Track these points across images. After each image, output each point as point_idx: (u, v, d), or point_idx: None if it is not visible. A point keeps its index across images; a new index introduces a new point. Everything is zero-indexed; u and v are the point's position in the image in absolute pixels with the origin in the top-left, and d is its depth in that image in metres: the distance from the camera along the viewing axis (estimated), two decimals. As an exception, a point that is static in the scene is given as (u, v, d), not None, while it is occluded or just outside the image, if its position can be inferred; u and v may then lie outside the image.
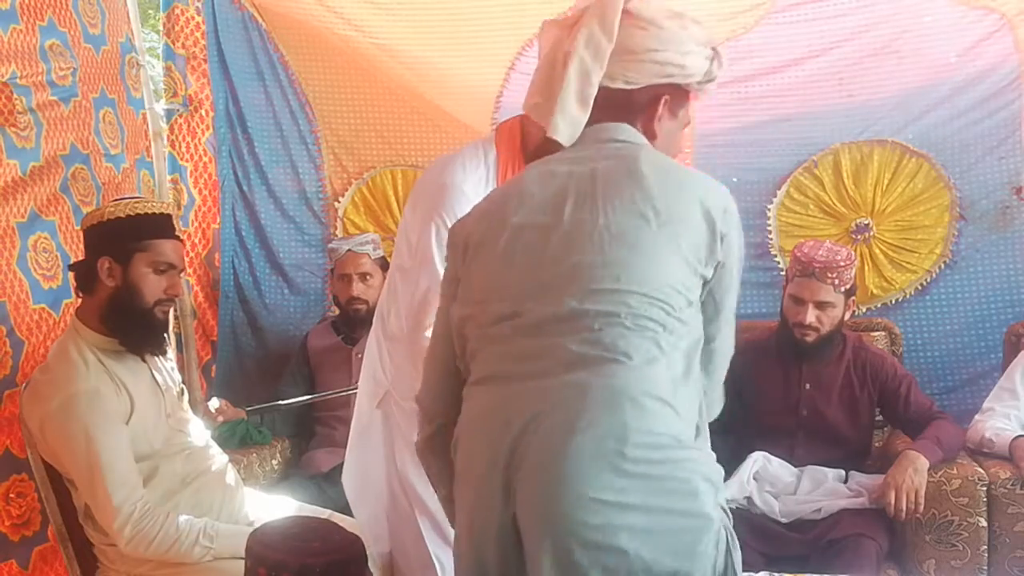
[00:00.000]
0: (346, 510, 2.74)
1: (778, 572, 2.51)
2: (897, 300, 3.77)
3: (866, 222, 3.75)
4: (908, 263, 3.74)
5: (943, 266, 3.72)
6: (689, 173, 1.78)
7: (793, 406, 3.15)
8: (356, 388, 3.45)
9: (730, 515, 1.65)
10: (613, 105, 1.76)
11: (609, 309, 1.53)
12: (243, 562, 2.35)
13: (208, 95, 3.93)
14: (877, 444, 3.38)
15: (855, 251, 3.70)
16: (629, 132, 1.77)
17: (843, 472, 3.06)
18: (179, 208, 3.83)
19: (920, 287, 3.75)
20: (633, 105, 1.78)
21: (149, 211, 2.46)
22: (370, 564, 2.12)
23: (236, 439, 3.41)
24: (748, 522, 2.91)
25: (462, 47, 3.86)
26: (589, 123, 1.76)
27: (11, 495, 2.60)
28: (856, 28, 3.67)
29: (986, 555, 2.87)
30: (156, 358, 2.57)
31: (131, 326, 2.45)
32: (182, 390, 2.69)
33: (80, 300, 2.52)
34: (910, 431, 3.11)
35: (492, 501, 1.54)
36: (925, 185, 3.71)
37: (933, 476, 2.87)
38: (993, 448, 3.02)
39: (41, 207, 2.82)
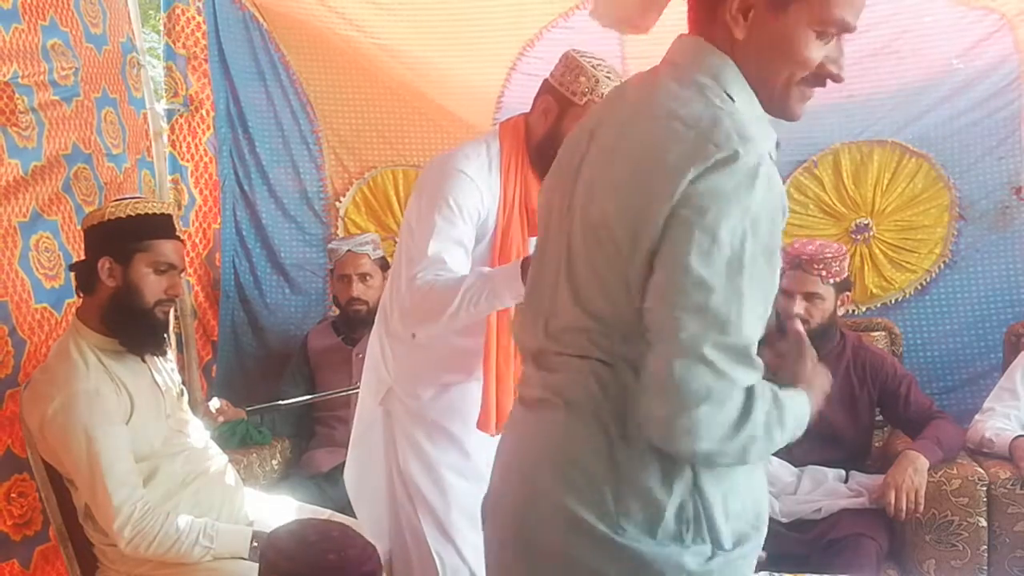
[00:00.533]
0: (346, 510, 2.74)
1: (778, 572, 2.51)
2: (897, 300, 3.77)
3: (866, 222, 3.75)
4: (908, 263, 3.74)
5: (943, 266, 3.72)
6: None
7: None
8: (356, 388, 3.47)
9: None
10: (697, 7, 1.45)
11: None
12: (243, 562, 2.38)
13: (209, 95, 3.93)
14: (877, 444, 3.38)
15: (855, 251, 3.72)
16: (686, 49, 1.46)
17: (843, 472, 3.06)
18: (180, 208, 3.83)
19: (920, 287, 3.75)
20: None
21: (150, 211, 2.47)
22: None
23: (236, 439, 3.41)
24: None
25: (463, 47, 3.86)
26: None
27: (13, 494, 2.60)
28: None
29: (986, 555, 2.87)
30: (156, 358, 2.57)
31: (131, 326, 2.45)
32: (182, 391, 2.69)
33: (81, 300, 2.52)
34: (910, 431, 3.11)
35: None
36: (925, 185, 3.71)
37: (933, 476, 2.87)
38: (993, 448, 3.02)
39: (43, 207, 2.82)
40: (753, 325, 1.29)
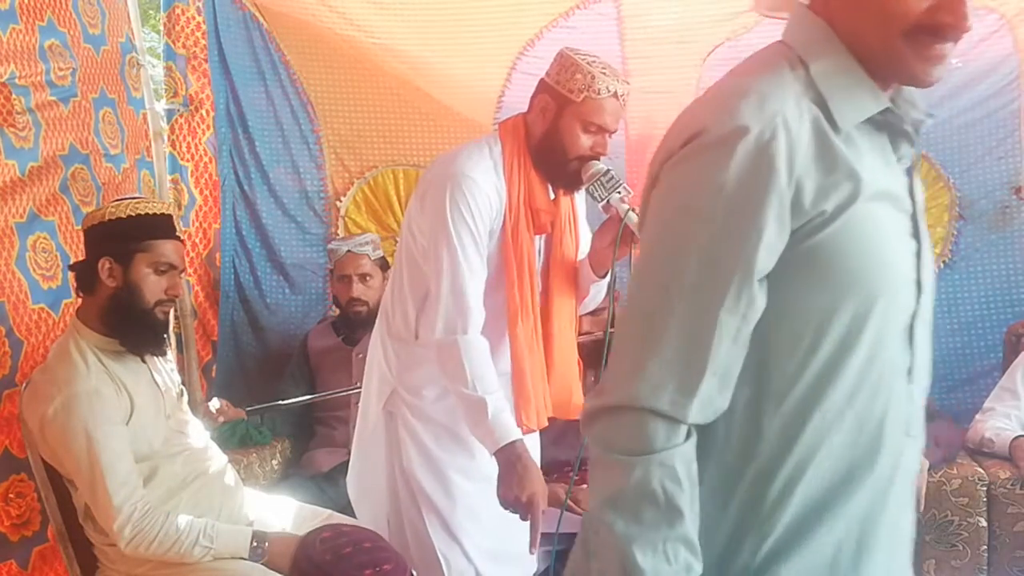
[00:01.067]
0: (346, 510, 2.74)
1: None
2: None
3: (866, 222, 3.74)
4: (908, 263, 3.74)
5: (943, 266, 3.72)
6: None
7: None
8: (356, 388, 3.47)
9: None
10: None
11: None
12: (243, 562, 2.37)
13: (209, 95, 3.93)
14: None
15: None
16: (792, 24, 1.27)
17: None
18: (180, 208, 3.83)
19: (920, 287, 3.74)
20: None
21: (150, 211, 2.46)
22: None
23: (236, 439, 3.41)
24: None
25: (464, 46, 3.86)
26: None
27: (10, 495, 2.60)
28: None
29: (986, 555, 2.87)
30: (156, 359, 2.57)
31: (131, 326, 2.44)
32: (182, 391, 2.69)
33: (80, 300, 2.52)
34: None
35: None
36: (925, 185, 3.70)
37: (933, 476, 2.87)
38: (993, 448, 3.02)
39: (40, 207, 2.82)
40: (658, 375, 1.13)
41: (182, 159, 3.89)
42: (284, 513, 2.68)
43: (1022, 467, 2.86)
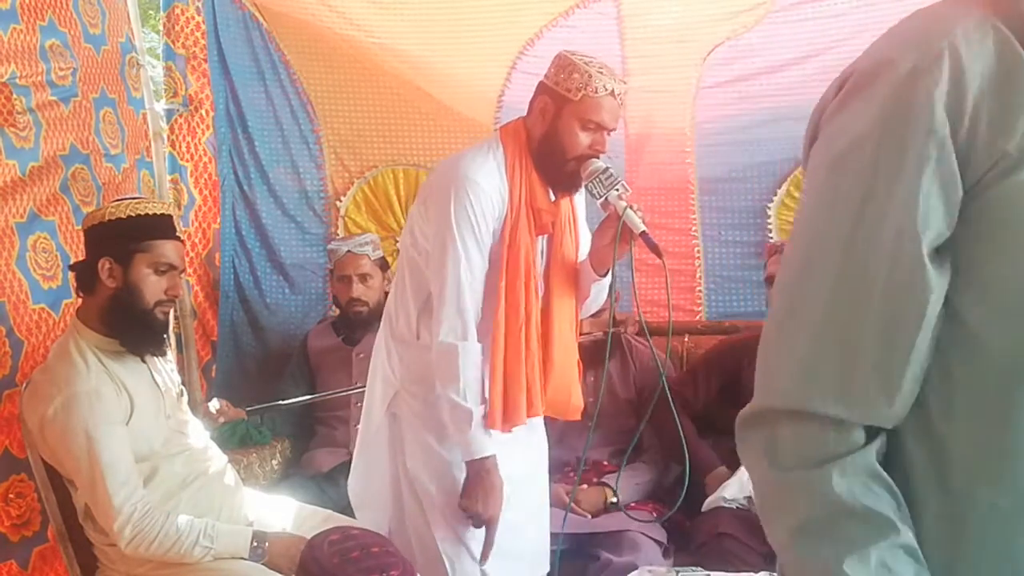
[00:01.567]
0: (346, 510, 2.74)
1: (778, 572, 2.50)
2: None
3: (867, 221, 3.74)
4: (908, 262, 3.73)
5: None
6: None
7: None
8: (356, 388, 3.47)
9: None
10: None
11: None
12: (243, 562, 2.37)
13: (208, 95, 3.93)
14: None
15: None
16: None
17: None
18: (179, 208, 3.83)
19: (920, 286, 3.74)
20: None
21: (150, 212, 2.47)
22: None
23: (236, 439, 3.41)
24: (748, 522, 2.91)
25: (464, 46, 3.86)
26: None
27: (10, 495, 2.60)
28: (856, 27, 3.66)
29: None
30: (156, 359, 2.57)
31: (131, 327, 2.45)
32: (182, 391, 2.69)
33: (80, 300, 2.52)
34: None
35: None
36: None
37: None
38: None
39: (40, 207, 2.82)
40: (826, 370, 0.94)
41: (182, 159, 3.89)
42: (284, 513, 2.68)
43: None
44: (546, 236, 2.51)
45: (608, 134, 2.43)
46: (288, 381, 3.74)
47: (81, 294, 2.50)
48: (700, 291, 3.89)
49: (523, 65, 3.79)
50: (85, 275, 2.46)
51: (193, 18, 3.86)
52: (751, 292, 3.86)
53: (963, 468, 0.93)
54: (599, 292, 2.61)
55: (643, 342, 3.40)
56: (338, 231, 4.06)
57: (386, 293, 3.59)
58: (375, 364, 2.62)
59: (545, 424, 2.70)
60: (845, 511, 0.92)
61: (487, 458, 2.36)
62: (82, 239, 2.54)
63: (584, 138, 2.39)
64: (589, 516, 3.05)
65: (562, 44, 3.73)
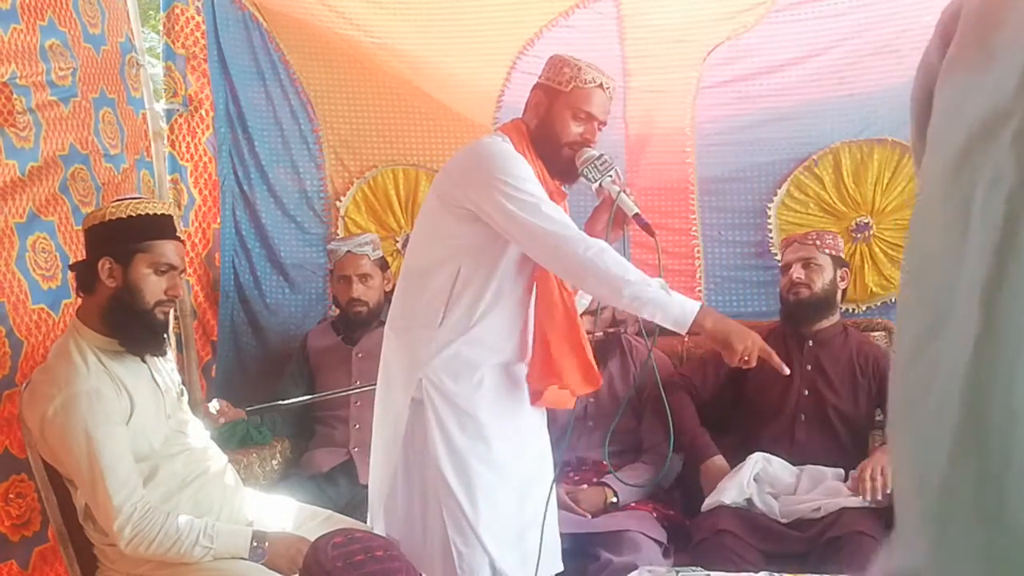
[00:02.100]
0: (346, 510, 2.74)
1: (778, 572, 2.51)
2: (897, 299, 3.75)
3: (866, 221, 3.75)
4: (908, 262, 3.73)
5: (943, 265, 3.71)
6: None
7: (795, 387, 3.20)
8: (356, 388, 3.47)
9: None
10: None
11: None
12: (243, 562, 2.38)
13: (208, 95, 3.93)
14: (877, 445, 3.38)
15: (855, 250, 3.72)
16: None
17: (842, 471, 3.06)
18: (179, 208, 3.83)
19: (920, 286, 3.74)
20: None
21: (150, 211, 2.46)
22: None
23: (236, 439, 3.41)
24: (748, 521, 2.91)
25: (463, 46, 3.86)
26: None
27: (11, 495, 2.60)
28: (856, 27, 3.67)
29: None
30: (156, 359, 2.57)
31: (131, 327, 2.44)
32: (182, 391, 2.69)
33: (80, 300, 2.52)
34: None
35: None
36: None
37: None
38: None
39: (40, 207, 2.82)
40: None
41: (181, 159, 3.89)
42: (284, 513, 2.68)
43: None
44: None
45: (599, 127, 2.54)
46: (288, 381, 3.75)
47: (81, 294, 2.50)
48: (700, 291, 3.89)
49: (523, 65, 3.79)
50: (85, 275, 2.46)
51: (193, 18, 3.86)
52: (751, 292, 3.87)
53: None
54: None
55: (643, 342, 3.41)
56: (338, 231, 4.06)
57: (386, 292, 3.60)
58: (388, 358, 2.60)
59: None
60: None
61: (701, 308, 2.32)
62: (81, 239, 2.54)
63: (575, 127, 2.50)
64: (589, 516, 3.05)
65: (562, 44, 3.75)
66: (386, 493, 2.56)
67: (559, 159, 2.52)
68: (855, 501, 2.94)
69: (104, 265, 2.41)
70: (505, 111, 3.83)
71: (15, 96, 2.72)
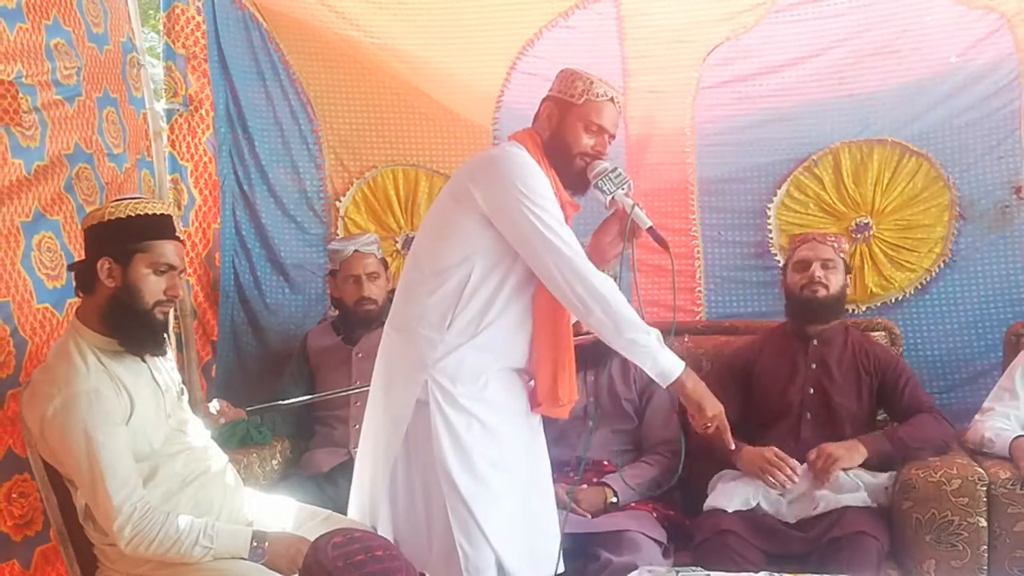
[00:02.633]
0: (345, 510, 2.74)
1: (778, 572, 2.51)
2: (897, 299, 3.77)
3: (866, 221, 3.75)
4: (908, 262, 3.74)
5: (943, 265, 3.72)
6: None
7: (800, 386, 3.20)
8: (356, 388, 3.47)
9: None
10: None
11: None
12: (243, 562, 2.38)
13: (208, 95, 3.93)
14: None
15: (855, 250, 3.73)
16: None
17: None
18: (179, 208, 3.84)
19: (920, 286, 3.75)
20: None
21: (150, 211, 2.46)
22: None
23: (236, 439, 3.41)
24: (751, 521, 2.92)
25: (463, 46, 3.87)
26: None
27: (13, 495, 2.60)
28: (856, 27, 3.68)
29: (986, 555, 2.87)
30: (156, 358, 2.57)
31: (131, 327, 2.44)
32: (182, 390, 2.69)
33: (80, 300, 2.52)
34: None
35: None
36: (925, 184, 3.72)
37: (933, 476, 2.88)
38: (993, 448, 3.03)
39: (45, 206, 2.82)
40: None
41: (182, 159, 3.89)
42: (284, 513, 2.68)
43: (1022, 467, 2.86)
44: None
45: (609, 140, 2.59)
46: (288, 381, 3.74)
47: (80, 294, 2.50)
48: (700, 291, 3.90)
49: (523, 65, 3.80)
50: (84, 275, 2.46)
51: (193, 18, 3.87)
52: (751, 292, 3.88)
53: None
54: None
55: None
56: (338, 231, 4.07)
57: (388, 292, 3.60)
58: (391, 354, 2.61)
59: (544, 424, 2.72)
60: None
61: (685, 368, 2.47)
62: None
63: (587, 139, 2.55)
64: (589, 516, 3.05)
65: (562, 44, 3.76)
66: (385, 493, 2.57)
67: (571, 170, 2.56)
68: (856, 498, 2.95)
69: (103, 265, 2.40)
70: (505, 111, 3.85)
71: (21, 95, 2.73)
